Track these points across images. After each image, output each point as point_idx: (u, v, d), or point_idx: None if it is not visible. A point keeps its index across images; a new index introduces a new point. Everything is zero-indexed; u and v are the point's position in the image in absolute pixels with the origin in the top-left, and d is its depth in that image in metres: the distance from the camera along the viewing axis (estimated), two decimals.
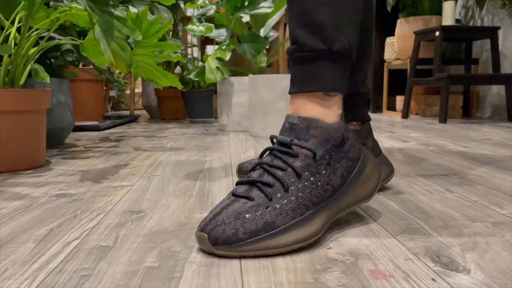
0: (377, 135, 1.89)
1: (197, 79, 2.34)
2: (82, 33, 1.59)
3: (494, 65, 2.80)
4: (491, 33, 2.79)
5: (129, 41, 1.85)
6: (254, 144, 1.62)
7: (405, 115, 2.99)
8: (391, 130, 2.12)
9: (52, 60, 1.63)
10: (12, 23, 1.21)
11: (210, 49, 3.92)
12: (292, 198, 0.57)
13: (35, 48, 1.21)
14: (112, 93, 4.03)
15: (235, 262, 0.52)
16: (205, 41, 3.39)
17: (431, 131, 2.05)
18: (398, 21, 3.23)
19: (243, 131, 2.12)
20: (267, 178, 0.59)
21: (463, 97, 3.15)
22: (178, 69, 3.05)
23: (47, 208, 0.77)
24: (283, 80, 1.85)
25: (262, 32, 2.35)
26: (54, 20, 1.20)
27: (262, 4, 2.19)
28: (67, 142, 1.73)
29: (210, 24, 2.41)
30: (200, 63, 2.50)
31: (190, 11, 2.91)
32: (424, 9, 3.15)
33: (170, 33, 2.96)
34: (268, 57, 2.47)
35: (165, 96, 2.93)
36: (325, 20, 0.62)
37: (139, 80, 4.22)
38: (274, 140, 0.63)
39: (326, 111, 0.63)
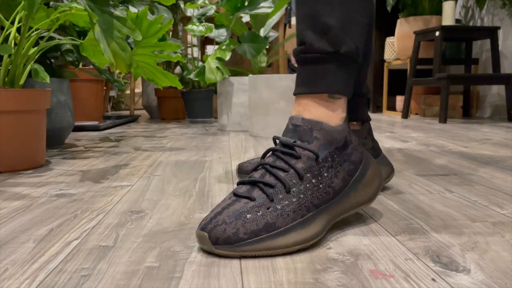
0: (377, 135, 1.89)
1: (197, 79, 2.34)
2: (82, 33, 1.59)
3: (494, 65, 2.80)
4: (491, 33, 2.79)
5: (129, 41, 1.85)
6: (254, 144, 1.62)
7: (405, 115, 2.99)
8: (391, 130, 2.12)
9: (52, 60, 1.63)
10: (12, 23, 1.21)
11: (210, 49, 3.92)
12: (294, 200, 0.57)
13: (35, 48, 1.21)
14: (112, 93, 4.03)
15: (235, 262, 0.52)
16: (205, 41, 3.39)
17: (431, 131, 2.05)
18: (398, 21, 3.23)
19: (243, 131, 2.12)
20: (269, 179, 0.59)
21: (463, 97, 3.15)
22: (178, 69, 3.05)
23: (47, 208, 0.77)
24: (283, 80, 1.85)
25: (262, 32, 2.35)
26: (54, 20, 1.20)
27: (262, 4, 2.19)
28: (67, 142, 1.73)
29: (210, 24, 2.41)
30: (200, 63, 2.50)
31: (190, 11, 2.91)
32: (424, 9, 3.15)
33: (170, 33, 2.96)
34: (268, 57, 2.47)
35: (165, 96, 2.93)
36: (334, 22, 0.62)
37: (139, 80, 4.22)
38: (277, 141, 0.63)
39: (330, 114, 0.63)
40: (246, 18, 2.51)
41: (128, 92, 4.30)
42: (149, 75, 1.41)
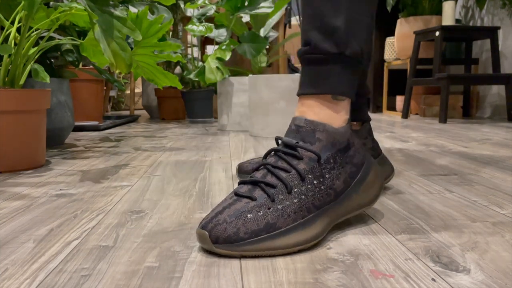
0: (377, 135, 1.89)
1: (197, 79, 2.34)
2: (82, 33, 1.59)
3: (494, 65, 2.80)
4: (491, 33, 2.79)
5: (129, 41, 1.85)
6: (254, 144, 1.62)
7: (405, 115, 2.99)
8: (391, 130, 2.12)
9: (52, 60, 1.63)
10: (12, 23, 1.21)
11: (210, 49, 3.92)
12: (295, 201, 0.57)
13: (35, 48, 1.21)
14: (112, 93, 4.03)
15: (235, 262, 0.52)
16: (205, 41, 3.39)
17: (431, 131, 2.05)
18: (398, 21, 3.23)
19: (243, 131, 2.12)
20: (270, 179, 0.59)
21: (463, 97, 3.15)
22: (178, 69, 3.05)
23: (47, 208, 0.77)
24: (283, 80, 1.85)
25: (262, 32, 2.35)
26: (54, 20, 1.20)
27: (262, 4, 2.19)
28: (67, 142, 1.73)
29: (210, 24, 2.41)
30: (200, 63, 2.50)
31: (190, 11, 2.91)
32: (424, 9, 3.15)
33: (170, 33, 2.96)
34: (268, 57, 2.47)
35: (165, 96, 2.93)
36: (339, 24, 0.62)
37: (139, 80, 4.22)
38: (279, 141, 0.63)
39: (334, 115, 0.63)
40: (246, 18, 2.51)
41: (128, 92, 4.30)
42: (149, 75, 1.41)
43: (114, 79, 1.76)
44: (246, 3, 2.21)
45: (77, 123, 2.21)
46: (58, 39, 1.36)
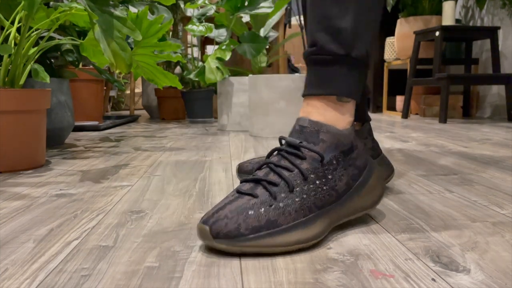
0: (377, 135, 1.89)
1: (197, 79, 2.34)
2: (82, 33, 1.59)
3: (494, 65, 2.80)
4: (491, 33, 2.79)
5: (129, 41, 1.85)
6: (254, 144, 1.62)
7: (405, 115, 2.99)
8: (391, 130, 2.12)
9: (52, 60, 1.63)
10: (12, 23, 1.21)
11: (210, 49, 3.92)
12: (297, 199, 0.57)
13: (35, 48, 1.21)
14: (112, 93, 4.03)
15: (235, 262, 0.52)
16: (205, 41, 3.39)
17: (431, 131, 2.05)
18: (398, 21, 3.23)
19: (243, 131, 2.12)
20: (273, 177, 0.59)
21: (463, 97, 3.15)
22: (178, 69, 3.05)
23: (47, 208, 0.77)
24: (283, 80, 1.85)
25: (262, 32, 2.35)
26: (54, 20, 1.20)
27: (262, 4, 2.19)
28: (67, 142, 1.73)
29: (210, 24, 2.41)
30: (200, 63, 2.50)
31: (190, 11, 2.91)
32: (424, 9, 3.15)
33: (170, 33, 2.96)
34: (268, 57, 2.47)
35: (165, 96, 2.93)
36: (346, 26, 0.62)
37: (139, 80, 4.22)
38: (283, 141, 0.64)
39: (338, 117, 0.64)
40: (246, 18, 2.51)
41: (128, 92, 4.30)
42: (149, 75, 1.41)
43: (114, 79, 1.76)
44: (246, 3, 2.21)
45: (77, 123, 2.21)
46: (58, 39, 1.36)
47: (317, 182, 0.59)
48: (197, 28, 2.38)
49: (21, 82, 1.18)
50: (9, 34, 1.18)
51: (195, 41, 3.19)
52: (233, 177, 1.02)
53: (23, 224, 0.68)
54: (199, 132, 2.07)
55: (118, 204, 0.79)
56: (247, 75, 2.43)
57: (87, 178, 1.02)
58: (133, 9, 2.38)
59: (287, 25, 3.73)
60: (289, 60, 3.86)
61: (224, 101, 2.20)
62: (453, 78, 2.62)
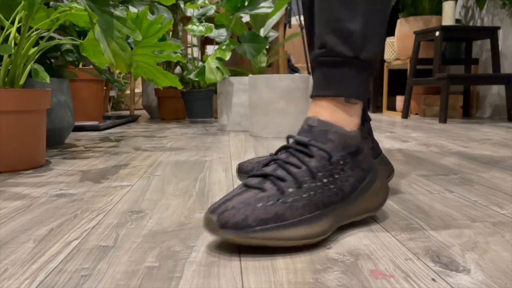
0: (377, 135, 1.89)
1: (197, 79, 2.34)
2: (82, 33, 1.59)
3: (494, 65, 2.80)
4: (491, 33, 2.79)
5: (129, 41, 1.85)
6: (254, 144, 1.62)
7: (405, 115, 2.99)
8: (391, 130, 2.12)
9: (52, 60, 1.63)
10: (12, 23, 1.21)
11: (210, 49, 3.92)
12: (304, 195, 0.58)
13: (35, 48, 1.21)
14: (112, 93, 4.03)
15: (235, 262, 0.52)
16: (205, 41, 3.39)
17: (431, 131, 2.05)
18: (398, 21, 3.23)
19: (243, 131, 2.12)
20: (281, 173, 0.59)
21: (463, 97, 3.15)
22: (178, 69, 3.05)
23: (47, 208, 0.77)
24: (283, 80, 1.85)
25: (262, 32, 2.35)
26: (54, 20, 1.20)
27: (262, 4, 2.19)
28: (67, 142, 1.73)
29: (210, 24, 2.41)
30: (200, 63, 2.50)
31: (190, 11, 2.91)
32: (424, 9, 3.15)
33: (170, 33, 2.96)
34: (268, 57, 2.46)
35: (165, 96, 2.93)
36: (356, 28, 0.63)
37: (139, 80, 4.22)
38: (290, 140, 0.64)
39: (346, 118, 0.64)
40: (246, 18, 2.51)
41: (128, 92, 4.30)
42: (149, 75, 1.41)
43: (114, 79, 1.76)
44: (246, 3, 2.21)
45: (77, 123, 2.21)
46: (58, 39, 1.36)
47: (324, 180, 0.60)
48: (197, 28, 2.38)
49: (21, 82, 1.18)
50: (9, 34, 1.18)
51: (195, 41, 3.19)
52: (233, 177, 1.02)
53: (23, 224, 0.68)
54: (199, 132, 2.07)
55: (118, 204, 0.79)
56: (247, 75, 2.43)
57: (87, 178, 1.02)
58: (133, 9, 2.38)
59: (287, 25, 3.73)
60: (289, 60, 3.86)
61: (224, 101, 2.20)
62: (453, 78, 2.62)
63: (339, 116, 0.64)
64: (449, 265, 0.51)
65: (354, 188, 0.63)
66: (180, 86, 1.50)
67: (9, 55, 1.15)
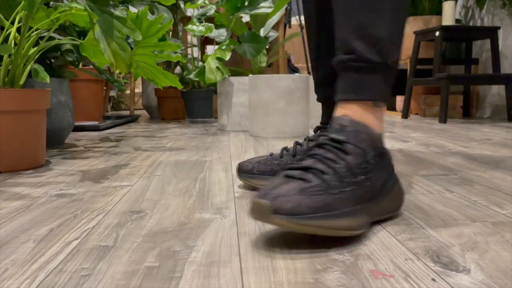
0: None
1: (197, 79, 2.34)
2: (82, 33, 1.59)
3: (494, 65, 2.80)
4: (491, 33, 2.79)
5: (129, 41, 1.85)
6: (254, 144, 1.62)
7: (405, 115, 2.99)
8: (391, 130, 2.12)
9: (52, 60, 1.63)
10: (12, 23, 1.21)
11: (210, 49, 3.92)
12: (347, 189, 0.59)
13: (35, 48, 1.21)
14: (112, 93, 4.03)
15: (235, 262, 0.52)
16: (205, 41, 3.39)
17: (431, 131, 2.05)
18: None
19: (243, 131, 2.12)
20: (321, 167, 0.60)
21: (463, 97, 3.15)
22: (178, 69, 3.05)
23: (47, 208, 0.77)
24: (283, 80, 1.85)
25: (262, 32, 2.35)
26: (54, 20, 1.20)
27: (262, 4, 2.19)
28: (67, 142, 1.73)
29: (210, 24, 2.41)
30: (200, 63, 2.50)
31: (190, 11, 2.91)
32: (424, 9, 3.15)
33: (170, 33, 2.96)
34: (268, 57, 2.47)
35: (165, 96, 2.93)
36: (382, 34, 0.66)
37: (139, 80, 4.22)
38: (324, 137, 0.65)
39: (375, 121, 0.67)
40: (246, 18, 2.51)
41: (128, 92, 4.30)
42: (149, 75, 1.41)
43: (114, 79, 1.76)
44: (246, 3, 2.21)
45: (77, 123, 2.21)
46: (58, 39, 1.36)
47: (361, 177, 0.61)
48: (197, 28, 2.38)
49: (21, 82, 1.18)
50: (9, 34, 1.18)
51: (195, 41, 3.19)
52: (233, 177, 1.02)
53: (23, 224, 0.68)
54: (199, 132, 2.07)
55: (118, 204, 0.79)
56: (247, 75, 2.43)
57: (87, 178, 1.02)
58: (133, 9, 2.38)
59: (287, 25, 3.73)
60: (289, 60, 3.86)
61: (224, 101, 2.20)
62: (453, 78, 2.62)
63: (369, 118, 0.66)
64: (449, 265, 0.51)
65: (382, 188, 0.65)
66: (180, 86, 1.50)
67: (9, 55, 1.15)
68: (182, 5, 2.80)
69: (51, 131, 1.55)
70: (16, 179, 1.02)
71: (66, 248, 0.57)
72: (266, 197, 0.55)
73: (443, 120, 2.57)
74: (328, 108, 0.89)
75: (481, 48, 3.25)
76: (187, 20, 2.94)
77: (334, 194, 0.58)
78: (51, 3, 1.23)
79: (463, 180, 0.97)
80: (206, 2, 2.43)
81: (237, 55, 2.91)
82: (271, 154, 0.91)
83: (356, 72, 0.67)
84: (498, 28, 2.78)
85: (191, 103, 2.72)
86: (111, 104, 4.11)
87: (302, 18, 3.08)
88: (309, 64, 2.93)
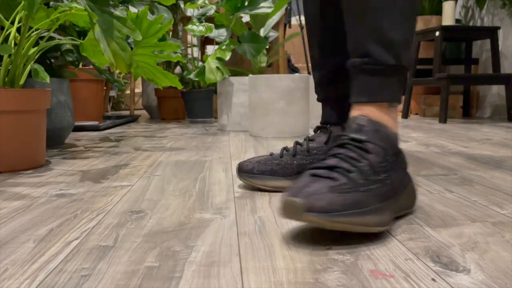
0: None
1: (197, 79, 2.34)
2: (82, 33, 1.59)
3: (494, 65, 2.80)
4: (491, 33, 2.79)
5: (129, 41, 1.85)
6: (254, 144, 1.62)
7: (405, 115, 2.99)
8: None
9: (52, 60, 1.63)
10: (12, 23, 1.21)
11: (210, 49, 3.92)
12: (372, 187, 0.60)
13: (35, 48, 1.21)
14: (112, 93, 4.03)
15: (235, 262, 0.52)
16: (205, 41, 3.39)
17: (431, 131, 2.05)
18: None
19: (243, 131, 2.12)
20: (346, 165, 0.61)
21: (463, 97, 3.15)
22: (178, 69, 3.05)
23: (47, 208, 0.77)
24: (283, 80, 1.85)
25: (262, 32, 2.35)
26: (54, 20, 1.20)
27: (262, 4, 2.19)
28: (67, 142, 1.73)
29: (210, 24, 2.41)
30: (200, 63, 2.50)
31: (190, 11, 2.91)
32: (424, 9, 3.15)
33: (170, 33, 2.96)
34: (268, 57, 2.47)
35: (165, 96, 2.93)
36: (396, 37, 0.67)
37: (139, 80, 4.22)
38: (345, 137, 0.66)
39: (390, 121, 0.68)
40: (246, 18, 2.51)
41: (128, 92, 4.30)
42: (149, 75, 1.41)
43: (114, 79, 1.76)
44: (246, 3, 2.21)
45: (77, 123, 2.21)
46: (58, 39, 1.36)
47: (383, 175, 0.62)
48: (197, 28, 2.38)
49: (21, 82, 1.18)
50: (9, 34, 1.18)
51: (195, 41, 3.19)
52: (233, 177, 1.02)
53: (23, 224, 0.68)
54: (199, 132, 2.07)
55: (118, 204, 0.79)
56: (247, 75, 2.43)
57: (87, 178, 1.02)
58: (133, 9, 2.38)
59: (287, 25, 3.73)
60: (289, 60, 3.86)
61: (224, 101, 2.20)
62: (453, 78, 2.62)
63: (385, 118, 0.68)
64: (449, 265, 0.51)
65: (400, 186, 0.66)
66: (180, 86, 1.50)
67: (9, 55, 1.15)
68: (182, 5, 2.80)
69: (51, 131, 1.54)
70: (16, 179, 1.02)
71: (66, 248, 0.57)
72: (297, 195, 0.56)
73: (443, 120, 2.57)
74: (328, 108, 0.89)
75: (481, 48, 3.25)
76: (187, 20, 2.94)
77: (362, 191, 0.59)
78: (51, 3, 1.23)
79: (463, 180, 0.97)
80: (206, 2, 2.43)
81: (237, 55, 2.91)
82: (271, 154, 0.91)
83: (372, 74, 0.68)
84: (498, 28, 2.78)
85: (191, 103, 2.72)
86: (111, 104, 4.11)
87: (302, 18, 3.08)
88: (309, 64, 2.93)
